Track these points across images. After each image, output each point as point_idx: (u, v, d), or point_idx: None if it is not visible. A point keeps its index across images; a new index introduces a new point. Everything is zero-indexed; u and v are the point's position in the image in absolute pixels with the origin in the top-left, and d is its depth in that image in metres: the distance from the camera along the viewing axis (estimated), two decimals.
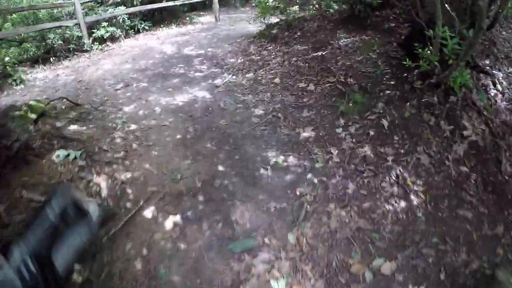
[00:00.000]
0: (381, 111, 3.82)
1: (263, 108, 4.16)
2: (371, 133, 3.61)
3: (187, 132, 3.83)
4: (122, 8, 8.64)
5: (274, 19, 7.53)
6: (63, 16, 8.25)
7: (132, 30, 8.99)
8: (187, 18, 10.47)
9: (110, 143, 3.67)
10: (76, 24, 7.97)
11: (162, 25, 9.92)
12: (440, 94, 4.02)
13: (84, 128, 3.95)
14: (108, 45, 8.41)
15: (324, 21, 7.21)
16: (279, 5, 8.31)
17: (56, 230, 0.84)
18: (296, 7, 11.13)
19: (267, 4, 8.52)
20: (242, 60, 5.93)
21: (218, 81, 5.08)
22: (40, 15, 7.99)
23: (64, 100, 4.63)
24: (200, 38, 8.07)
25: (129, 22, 8.76)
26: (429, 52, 3.76)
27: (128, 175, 3.20)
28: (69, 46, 7.92)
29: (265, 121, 3.90)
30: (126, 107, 4.59)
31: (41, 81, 6.69)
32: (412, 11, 5.98)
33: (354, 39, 5.69)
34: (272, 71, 5.13)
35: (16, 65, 7.23)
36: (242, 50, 6.53)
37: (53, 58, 7.81)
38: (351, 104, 3.94)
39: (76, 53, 8.00)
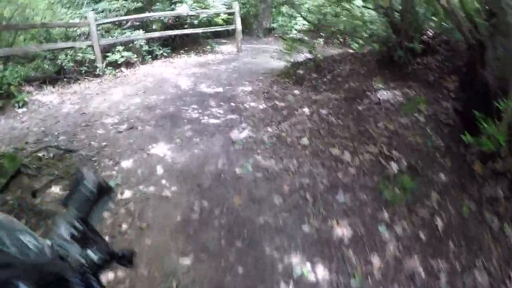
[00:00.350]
0: (435, 205, 3.03)
1: (287, 181, 3.41)
2: (422, 236, 2.82)
3: (192, 210, 3.10)
4: (140, 32, 8.11)
5: (299, 56, 6.87)
6: (77, 36, 7.75)
7: (150, 56, 8.45)
8: (208, 46, 9.92)
9: None
10: (89, 46, 7.46)
11: (181, 52, 9.39)
12: (504, 185, 3.21)
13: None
14: (122, 70, 7.86)
15: (357, 63, 6.50)
16: (305, 38, 7.68)
17: (92, 199, 1.00)
18: (320, 40, 10.63)
19: (291, 36, 7.92)
20: (264, 105, 5.23)
21: (235, 134, 4.38)
22: (54, 33, 7.49)
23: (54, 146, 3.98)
24: (220, 71, 7.45)
25: (147, 48, 8.21)
26: (494, 126, 2.96)
27: (110, 276, 2.47)
28: (80, 69, 7.39)
29: (289, 203, 3.15)
30: (124, 160, 3.92)
31: (45, 107, 6.15)
32: (456, 60, 5.24)
33: (395, 92, 4.94)
34: (299, 126, 4.40)
35: (23, 85, 6.73)
36: (264, 92, 5.85)
37: (64, 79, 7.29)
38: (397, 191, 3.16)
39: (87, 77, 7.47)
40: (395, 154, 3.55)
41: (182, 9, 8.37)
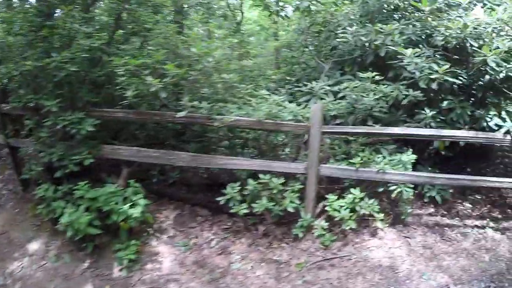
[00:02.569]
0: None
1: None
2: None
3: None
4: (407, 158, 3.67)
5: None
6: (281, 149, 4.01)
7: (409, 208, 3.97)
8: None
9: None
10: (301, 174, 3.60)
11: (467, 203, 4.53)
12: None
13: None
14: (346, 238, 3.73)
15: None
16: None
17: None
18: None
19: None
20: None
21: None
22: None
23: None
24: None
25: (411, 190, 3.70)
26: None
27: None
28: (271, 211, 3.62)
29: None
30: None
31: None
32: None
33: None
34: None
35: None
36: None
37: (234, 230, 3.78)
38: None
39: (271, 232, 3.72)
40: None
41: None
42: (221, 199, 3.49)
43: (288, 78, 5.08)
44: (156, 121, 3.87)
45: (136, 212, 3.37)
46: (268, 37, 7.03)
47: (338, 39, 4.71)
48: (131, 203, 3.43)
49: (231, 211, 3.50)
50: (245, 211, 3.46)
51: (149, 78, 3.31)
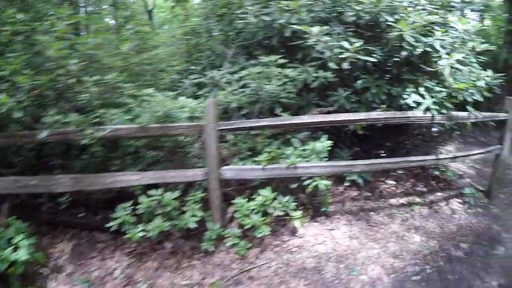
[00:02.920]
0: None
1: None
2: None
3: None
4: (320, 146, 3.36)
5: None
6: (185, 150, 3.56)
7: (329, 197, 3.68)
8: (437, 172, 4.46)
9: None
10: (202, 181, 3.16)
11: (390, 180, 4.31)
12: None
13: None
14: (263, 243, 3.37)
15: None
16: None
17: None
18: None
19: None
20: None
21: None
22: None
23: None
24: None
25: (327, 183, 3.39)
26: None
27: None
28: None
29: None
30: None
31: None
32: None
33: None
34: None
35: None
36: None
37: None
38: None
39: (185, 250, 3.27)
40: None
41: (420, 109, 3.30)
42: (112, 225, 2.99)
43: (192, 67, 4.57)
44: (28, 142, 3.24)
45: (20, 255, 2.80)
46: (180, 25, 6.45)
47: (241, 21, 4.25)
48: (14, 246, 2.86)
49: (126, 236, 3.01)
50: (142, 234, 2.98)
51: (1, 95, 2.70)
